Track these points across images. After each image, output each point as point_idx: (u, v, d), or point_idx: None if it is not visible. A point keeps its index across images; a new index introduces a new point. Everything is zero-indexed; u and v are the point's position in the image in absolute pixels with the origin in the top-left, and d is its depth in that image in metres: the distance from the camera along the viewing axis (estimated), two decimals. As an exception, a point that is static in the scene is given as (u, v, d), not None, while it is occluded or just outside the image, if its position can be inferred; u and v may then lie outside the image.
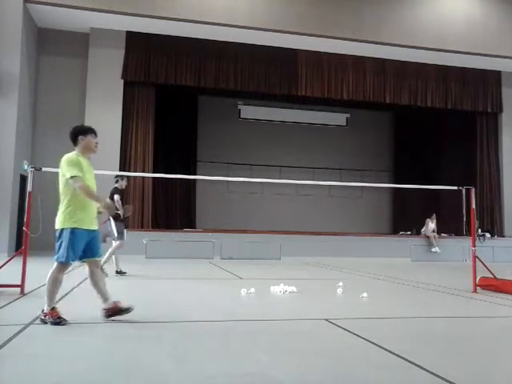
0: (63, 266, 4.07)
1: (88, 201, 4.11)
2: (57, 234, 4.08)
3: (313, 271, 10.21)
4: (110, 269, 7.81)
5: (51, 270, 4.07)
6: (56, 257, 4.05)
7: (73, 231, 4.02)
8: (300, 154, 19.38)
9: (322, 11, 14.21)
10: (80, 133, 4.28)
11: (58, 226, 4.08)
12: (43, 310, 4.02)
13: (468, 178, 16.47)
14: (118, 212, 7.76)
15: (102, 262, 7.41)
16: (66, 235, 4.01)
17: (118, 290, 6.38)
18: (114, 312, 4.14)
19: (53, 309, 4.00)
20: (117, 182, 8.23)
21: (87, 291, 6.03)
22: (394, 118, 20.97)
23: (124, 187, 8.36)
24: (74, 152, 4.25)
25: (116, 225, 7.86)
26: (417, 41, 14.88)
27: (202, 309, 4.93)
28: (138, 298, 5.67)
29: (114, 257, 7.99)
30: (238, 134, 18.79)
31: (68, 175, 4.01)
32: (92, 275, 4.21)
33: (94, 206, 4.24)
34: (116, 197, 7.91)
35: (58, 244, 4.06)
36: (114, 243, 7.92)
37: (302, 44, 14.81)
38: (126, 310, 4.18)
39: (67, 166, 4.05)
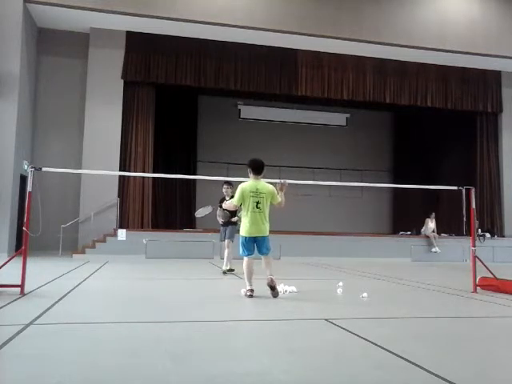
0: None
1: None
2: (267, 239, 5.85)
3: (313, 271, 10.21)
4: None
5: (269, 259, 5.87)
6: (270, 251, 5.87)
7: None
8: (300, 154, 19.38)
9: (321, 11, 14.22)
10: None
11: (267, 233, 5.86)
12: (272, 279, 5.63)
13: (468, 178, 16.49)
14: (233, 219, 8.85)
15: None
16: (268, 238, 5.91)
17: (118, 290, 6.39)
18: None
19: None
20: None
21: (87, 292, 6.05)
22: (394, 118, 20.97)
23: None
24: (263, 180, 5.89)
25: (229, 229, 8.92)
26: (417, 41, 14.89)
27: (201, 309, 4.94)
28: (137, 297, 5.67)
29: (226, 255, 9.00)
30: (238, 134, 18.78)
31: (280, 199, 5.98)
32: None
33: None
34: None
35: (267, 243, 5.85)
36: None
37: (302, 44, 14.82)
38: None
39: (276, 194, 5.96)
